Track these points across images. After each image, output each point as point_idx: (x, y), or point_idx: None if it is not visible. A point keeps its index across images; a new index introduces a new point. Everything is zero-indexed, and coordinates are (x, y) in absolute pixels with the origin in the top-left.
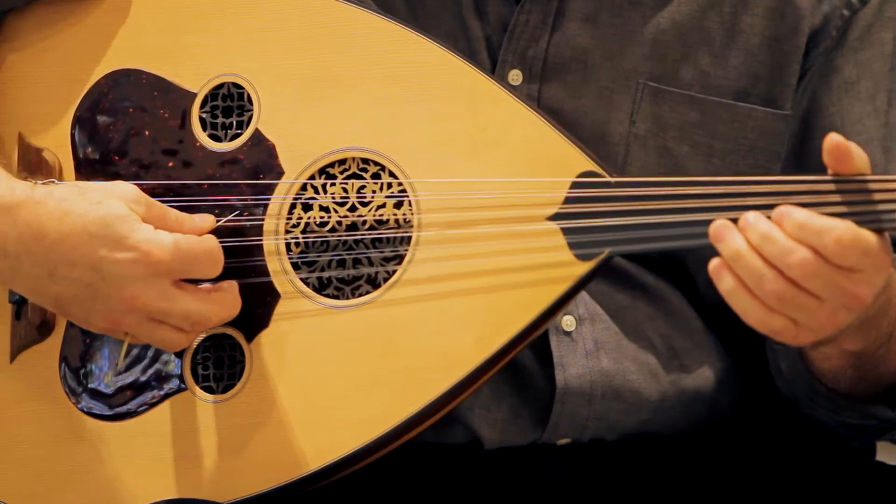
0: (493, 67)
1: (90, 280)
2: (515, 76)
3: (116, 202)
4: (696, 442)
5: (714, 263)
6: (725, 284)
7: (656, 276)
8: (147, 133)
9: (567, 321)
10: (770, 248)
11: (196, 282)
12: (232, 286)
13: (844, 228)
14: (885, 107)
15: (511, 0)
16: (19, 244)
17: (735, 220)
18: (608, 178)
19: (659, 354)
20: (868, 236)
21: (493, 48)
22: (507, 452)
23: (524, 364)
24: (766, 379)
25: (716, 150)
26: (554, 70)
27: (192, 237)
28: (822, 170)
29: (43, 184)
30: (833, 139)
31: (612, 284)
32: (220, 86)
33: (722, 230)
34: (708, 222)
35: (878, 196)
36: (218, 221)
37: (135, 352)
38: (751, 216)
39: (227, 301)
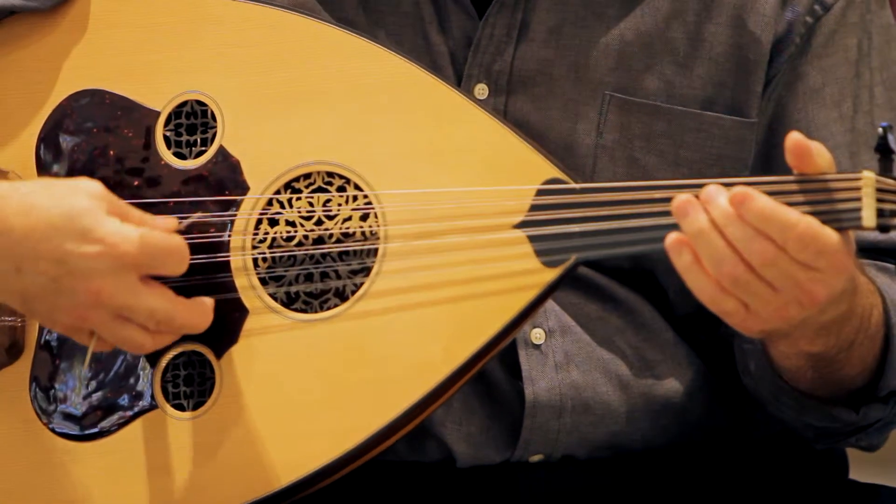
0: (459, 82)
1: (56, 274)
2: (481, 90)
3: (82, 197)
4: (669, 458)
5: (672, 238)
6: (683, 260)
7: (627, 289)
8: (111, 153)
9: (536, 334)
10: (733, 230)
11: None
12: (208, 302)
13: (806, 225)
14: (850, 113)
15: (474, 14)
16: None
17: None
18: (573, 185)
19: (630, 365)
20: (828, 235)
21: (457, 63)
22: (480, 471)
23: (495, 378)
24: (739, 389)
25: (683, 160)
26: (520, 83)
27: (159, 233)
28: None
29: (7, 179)
30: (794, 138)
31: (582, 296)
32: (184, 103)
33: (686, 206)
34: (674, 226)
35: (840, 195)
36: (180, 223)
37: (102, 375)
38: (712, 189)
39: (195, 308)
